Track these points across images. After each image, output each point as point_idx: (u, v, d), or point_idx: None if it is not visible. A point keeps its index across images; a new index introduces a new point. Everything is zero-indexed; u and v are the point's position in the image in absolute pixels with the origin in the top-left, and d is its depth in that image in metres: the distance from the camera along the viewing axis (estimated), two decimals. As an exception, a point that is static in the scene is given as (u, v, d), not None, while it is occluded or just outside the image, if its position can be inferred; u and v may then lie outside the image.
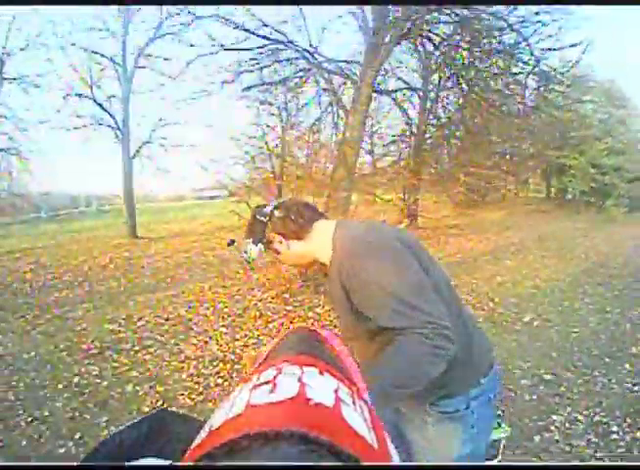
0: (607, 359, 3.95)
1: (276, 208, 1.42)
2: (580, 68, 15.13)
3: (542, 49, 7.96)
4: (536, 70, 7.98)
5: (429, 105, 10.95)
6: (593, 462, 2.20)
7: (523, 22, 7.49)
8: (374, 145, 11.66)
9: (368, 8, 7.11)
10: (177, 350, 4.44)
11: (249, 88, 7.45)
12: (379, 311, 1.17)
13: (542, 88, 8.98)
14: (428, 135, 11.18)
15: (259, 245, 1.44)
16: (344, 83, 7.22)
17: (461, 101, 10.66)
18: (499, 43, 8.23)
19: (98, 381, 3.78)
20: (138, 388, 3.68)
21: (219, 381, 3.74)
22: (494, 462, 2.60)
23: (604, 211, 14.80)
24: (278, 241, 1.43)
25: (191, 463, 0.26)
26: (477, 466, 2.22)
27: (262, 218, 1.42)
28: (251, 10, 6.91)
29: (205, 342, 4.62)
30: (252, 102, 7.70)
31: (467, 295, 5.99)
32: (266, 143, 6.62)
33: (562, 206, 17.25)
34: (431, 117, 10.95)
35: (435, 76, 10.74)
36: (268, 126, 7.30)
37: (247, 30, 7.03)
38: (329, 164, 6.35)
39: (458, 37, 8.84)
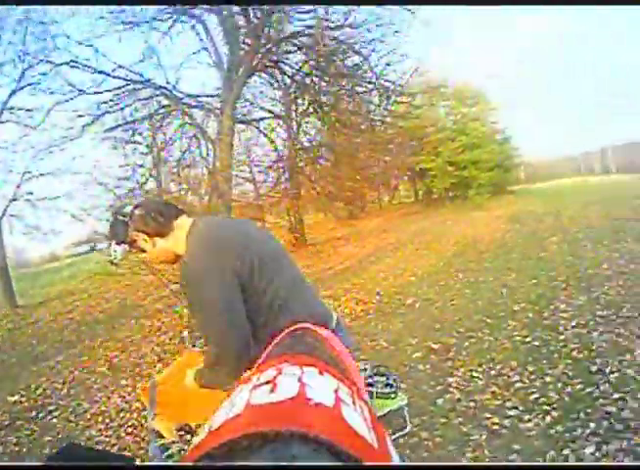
0: (489, 320, 4.32)
1: (136, 207, 1.44)
2: (431, 75, 16.56)
3: (381, 65, 8.85)
4: (378, 85, 8.79)
5: (294, 131, 11.45)
6: (592, 463, 2.12)
7: (362, 42, 8.29)
8: (254, 173, 11.86)
9: (221, 44, 7.35)
10: (81, 409, 4.36)
11: (111, 129, 7.21)
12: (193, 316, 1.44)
13: (385, 102, 9.85)
14: (299, 159, 11.64)
15: (123, 245, 1.46)
16: (208, 116, 7.31)
17: (320, 125, 11.38)
18: (345, 66, 8.97)
19: (17, 449, 3.83)
20: (55, 449, 3.55)
21: (129, 430, 3.70)
22: (405, 431, 2.74)
23: (468, 201, 16.08)
24: (142, 239, 1.45)
25: (191, 463, 0.25)
26: (477, 466, 2.31)
27: (123, 218, 1.43)
28: (105, 52, 6.80)
29: (108, 397, 4.50)
30: (117, 142, 7.45)
31: (356, 293, 6.39)
32: (137, 182, 6.43)
33: (430, 204, 18.67)
34: (296, 142, 11.43)
35: (298, 103, 11.31)
36: (141, 166, 7.09)
37: (103, 73, 6.86)
38: (206, 196, 6.35)
39: (308, 66, 9.46)
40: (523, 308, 4.53)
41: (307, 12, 7.70)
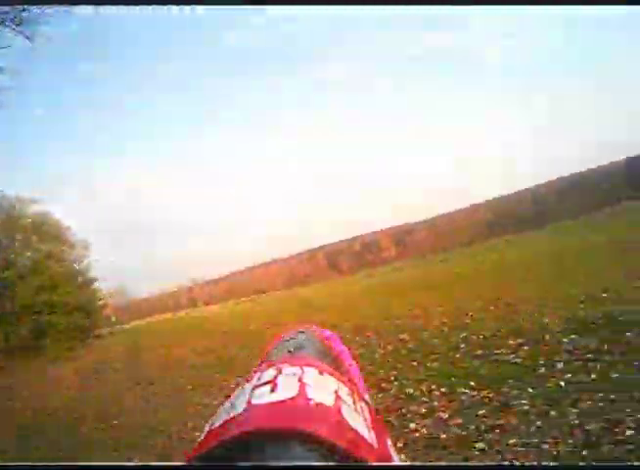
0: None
1: None
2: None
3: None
4: None
5: None
6: (592, 463, 1.93)
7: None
8: None
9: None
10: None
11: None
12: None
13: None
14: None
15: None
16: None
17: None
18: None
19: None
20: None
21: None
22: None
23: (48, 351, 13.03)
24: None
25: (191, 463, 0.23)
26: (477, 466, 2.35)
27: None
28: None
29: None
30: None
31: None
32: None
33: (9, 355, 14.07)
34: None
35: None
36: None
37: None
38: None
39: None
40: None
41: None
